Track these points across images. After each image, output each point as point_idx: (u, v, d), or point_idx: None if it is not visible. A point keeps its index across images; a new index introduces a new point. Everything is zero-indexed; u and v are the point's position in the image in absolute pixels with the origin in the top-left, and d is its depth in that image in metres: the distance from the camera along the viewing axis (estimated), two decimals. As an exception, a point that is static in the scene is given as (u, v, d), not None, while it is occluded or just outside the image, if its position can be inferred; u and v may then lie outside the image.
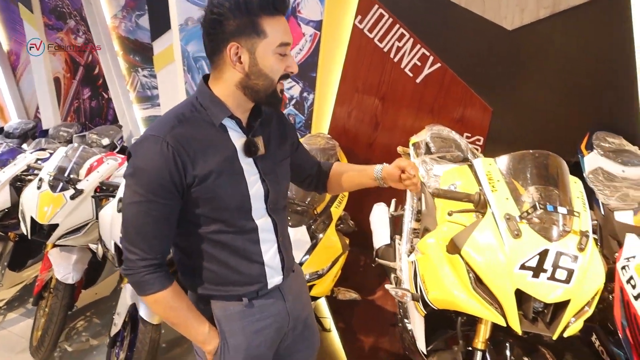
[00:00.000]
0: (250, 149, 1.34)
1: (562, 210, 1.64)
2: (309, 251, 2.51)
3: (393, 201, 3.29)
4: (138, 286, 1.31)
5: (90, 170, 3.13)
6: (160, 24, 4.83)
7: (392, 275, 2.76)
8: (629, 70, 2.95)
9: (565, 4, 3.00)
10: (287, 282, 1.53)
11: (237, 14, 1.19)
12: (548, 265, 1.56)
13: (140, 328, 2.49)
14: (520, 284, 1.57)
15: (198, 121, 1.29)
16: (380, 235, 3.07)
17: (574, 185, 1.85)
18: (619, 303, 2.05)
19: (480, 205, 1.78)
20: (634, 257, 2.02)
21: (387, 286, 2.26)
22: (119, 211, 2.56)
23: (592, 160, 2.79)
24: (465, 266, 1.68)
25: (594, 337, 2.29)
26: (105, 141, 5.03)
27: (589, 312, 1.66)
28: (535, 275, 1.56)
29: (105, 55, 5.61)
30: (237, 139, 1.34)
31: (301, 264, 2.45)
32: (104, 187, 2.98)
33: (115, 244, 2.50)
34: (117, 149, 5.13)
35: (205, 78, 1.35)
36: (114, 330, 2.64)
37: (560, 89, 3.23)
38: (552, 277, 1.56)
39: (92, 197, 3.01)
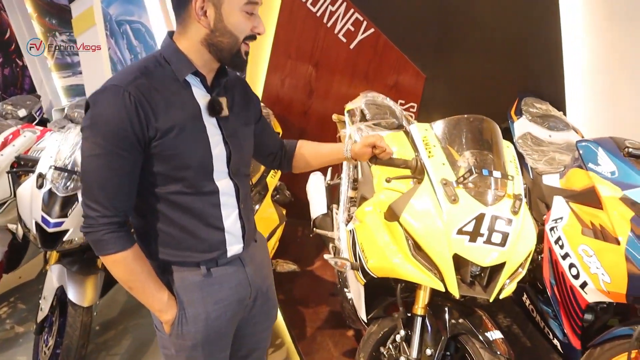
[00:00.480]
0: (214, 108, 1.31)
1: (496, 174, 1.66)
2: (246, 223, 2.44)
3: (329, 170, 3.27)
4: (97, 245, 1.25)
5: (4, 144, 2.90)
6: (78, -16, 4.51)
7: (331, 245, 2.76)
8: (555, 38, 3.04)
9: (495, -30, 3.03)
10: (248, 252, 1.49)
11: None
12: (484, 229, 1.58)
13: (70, 312, 2.35)
14: (458, 248, 1.59)
15: (161, 75, 1.26)
16: (317, 205, 3.05)
17: (507, 150, 1.88)
18: (547, 263, 2.14)
19: (418, 171, 1.78)
20: (561, 218, 2.10)
21: (325, 256, 2.24)
22: (39, 187, 2.39)
23: (521, 126, 2.88)
24: (404, 233, 1.68)
25: (524, 297, 2.39)
26: (22, 112, 4.68)
27: (523, 273, 1.70)
28: (472, 239, 1.58)
29: (16, 17, 5.17)
30: (201, 97, 1.31)
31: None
32: (22, 162, 2.77)
33: (37, 223, 2.33)
34: (36, 121, 4.79)
35: (171, 34, 1.32)
36: (41, 315, 2.48)
37: (491, 56, 3.29)
38: (489, 241, 1.58)
39: (9, 173, 2.79)
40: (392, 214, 1.75)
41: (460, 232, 1.59)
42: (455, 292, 1.60)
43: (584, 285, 1.87)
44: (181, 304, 1.37)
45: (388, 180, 1.80)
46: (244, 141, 1.44)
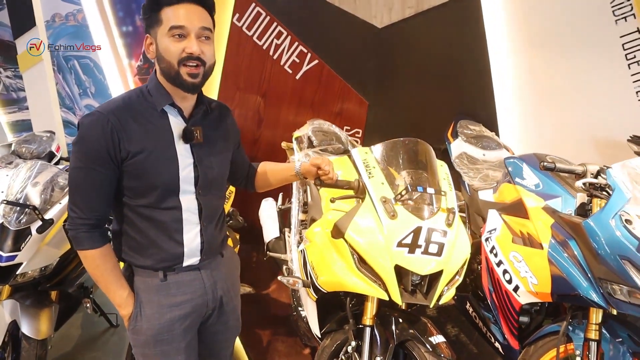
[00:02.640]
0: (186, 136, 1.49)
1: (430, 190, 1.81)
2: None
3: (280, 195, 3.38)
4: (74, 240, 1.47)
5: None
6: (23, 20, 4.48)
7: (284, 267, 2.84)
8: (484, 63, 3.29)
9: (427, 4, 3.28)
10: (210, 264, 1.63)
11: (147, 11, 1.42)
12: (422, 241, 1.72)
13: (24, 346, 2.33)
14: (398, 260, 1.72)
15: (142, 105, 1.46)
16: (269, 229, 3.15)
17: (440, 168, 2.04)
18: (485, 272, 2.31)
19: (360, 191, 1.92)
20: (495, 229, 2.28)
21: (279, 277, 2.33)
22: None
23: (457, 147, 3.08)
24: (349, 248, 1.81)
25: (468, 306, 2.55)
26: (-36, 150, 4.58)
27: (459, 280, 1.86)
28: (411, 251, 1.72)
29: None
30: (177, 125, 1.50)
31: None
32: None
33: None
34: (-19, 158, 4.69)
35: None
36: (-8, 353, 2.45)
37: (427, 82, 3.52)
38: (426, 252, 1.73)
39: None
40: (337, 232, 1.87)
41: (400, 244, 1.73)
42: (398, 300, 1.73)
43: (516, 288, 2.04)
44: (139, 302, 1.55)
45: (332, 201, 1.93)
46: (216, 166, 1.59)
